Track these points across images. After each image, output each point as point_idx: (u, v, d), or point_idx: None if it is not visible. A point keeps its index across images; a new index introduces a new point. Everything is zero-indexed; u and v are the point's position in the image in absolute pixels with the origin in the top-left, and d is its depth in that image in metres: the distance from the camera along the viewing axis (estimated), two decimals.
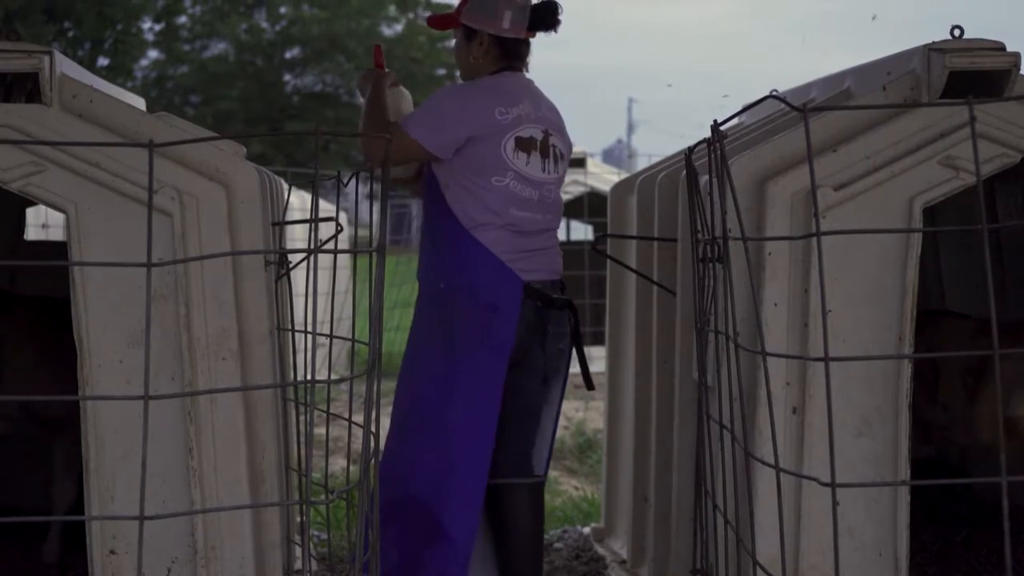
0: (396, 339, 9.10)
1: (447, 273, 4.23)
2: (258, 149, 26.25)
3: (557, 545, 6.04)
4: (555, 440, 4.48)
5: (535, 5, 4.36)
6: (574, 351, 4.49)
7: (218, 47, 30.78)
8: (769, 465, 2.96)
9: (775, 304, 3.53)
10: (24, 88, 3.58)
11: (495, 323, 4.21)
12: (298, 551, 4.22)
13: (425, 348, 4.25)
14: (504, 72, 4.36)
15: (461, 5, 4.40)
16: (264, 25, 31.05)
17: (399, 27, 30.65)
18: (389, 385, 5.31)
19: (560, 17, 4.39)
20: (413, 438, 4.22)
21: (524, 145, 4.29)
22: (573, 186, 11.97)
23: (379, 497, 3.76)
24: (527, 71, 4.46)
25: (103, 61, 25.37)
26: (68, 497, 4.87)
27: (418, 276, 4.35)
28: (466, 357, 4.20)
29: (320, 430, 7.72)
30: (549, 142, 4.36)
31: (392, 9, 30.67)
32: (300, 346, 4.12)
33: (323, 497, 4.82)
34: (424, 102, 4.32)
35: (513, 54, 4.37)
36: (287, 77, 31.64)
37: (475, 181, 4.24)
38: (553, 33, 4.40)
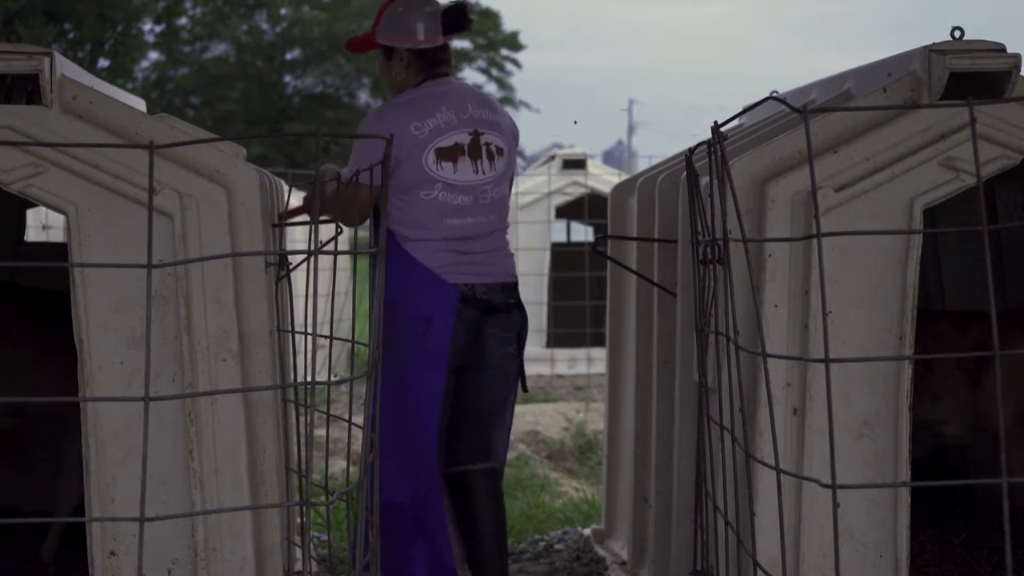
0: None
1: (389, 288, 4.30)
2: (258, 150, 26.26)
3: (558, 546, 6.04)
4: (510, 432, 4.70)
5: (444, 9, 4.44)
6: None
7: (218, 48, 30.79)
8: (769, 466, 2.96)
9: (775, 305, 3.53)
10: (24, 89, 3.57)
11: (429, 334, 4.33)
12: (298, 552, 4.22)
13: (381, 363, 4.34)
14: (425, 83, 4.45)
15: (375, 25, 4.49)
16: (264, 27, 31.06)
17: None
18: None
19: (471, 16, 4.51)
20: (383, 449, 4.32)
21: (447, 154, 4.36)
22: (573, 187, 11.99)
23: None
24: (455, 74, 4.57)
25: (103, 62, 25.37)
26: (75, 495, 4.87)
27: None
28: (406, 369, 4.34)
29: (320, 431, 7.73)
30: (480, 142, 4.41)
31: None
32: (300, 347, 4.12)
33: (323, 498, 4.81)
34: (354, 144, 4.45)
35: (434, 62, 4.45)
36: (287, 79, 31.65)
37: (403, 198, 4.34)
38: (466, 32, 4.53)
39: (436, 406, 4.38)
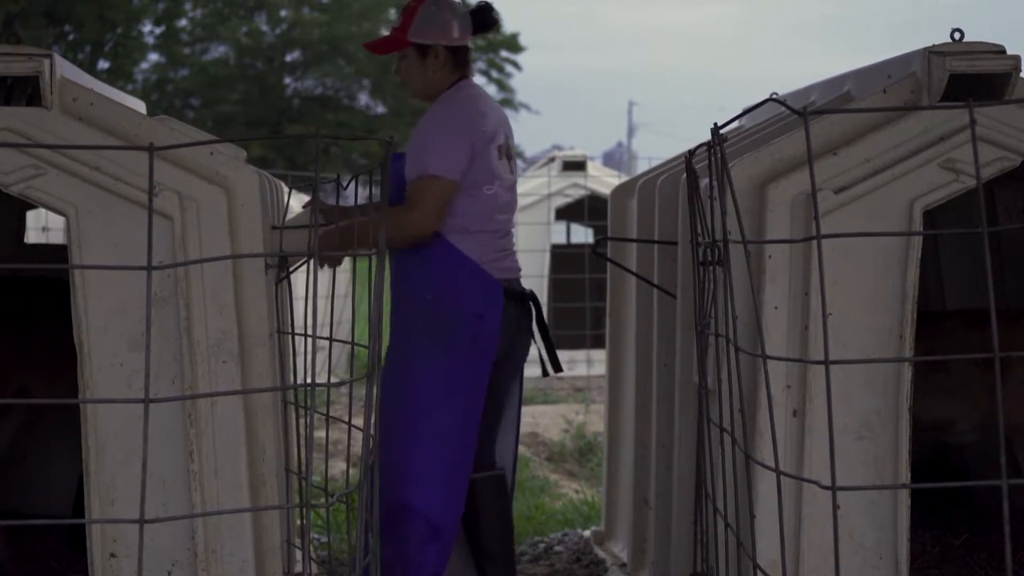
0: None
1: (433, 284, 4.33)
2: (258, 152, 26.27)
3: (558, 548, 6.04)
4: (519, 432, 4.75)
5: (472, 10, 4.51)
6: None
7: (218, 50, 30.78)
8: (769, 468, 2.96)
9: (775, 307, 3.53)
10: (24, 91, 3.57)
11: (482, 330, 4.35)
12: (298, 554, 4.22)
13: (417, 360, 4.33)
14: (462, 83, 4.48)
15: (405, 26, 4.47)
16: (264, 28, 31.06)
17: None
18: None
19: (496, 16, 4.55)
20: (407, 448, 4.31)
21: (502, 152, 4.44)
22: (573, 189, 11.98)
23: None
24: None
25: (103, 64, 25.38)
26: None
27: (394, 287, 4.43)
28: (459, 365, 4.34)
29: (320, 433, 7.72)
30: (508, 143, 4.51)
31: (392, 12, 30.69)
32: (300, 349, 4.12)
33: (323, 500, 4.81)
34: (415, 143, 4.35)
35: (463, 62, 4.49)
36: (287, 80, 31.64)
37: (470, 192, 4.35)
38: (494, 30, 4.60)
39: (483, 403, 4.41)
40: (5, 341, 4.87)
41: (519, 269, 4.59)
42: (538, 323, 4.65)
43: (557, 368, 4.75)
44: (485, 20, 4.52)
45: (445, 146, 4.29)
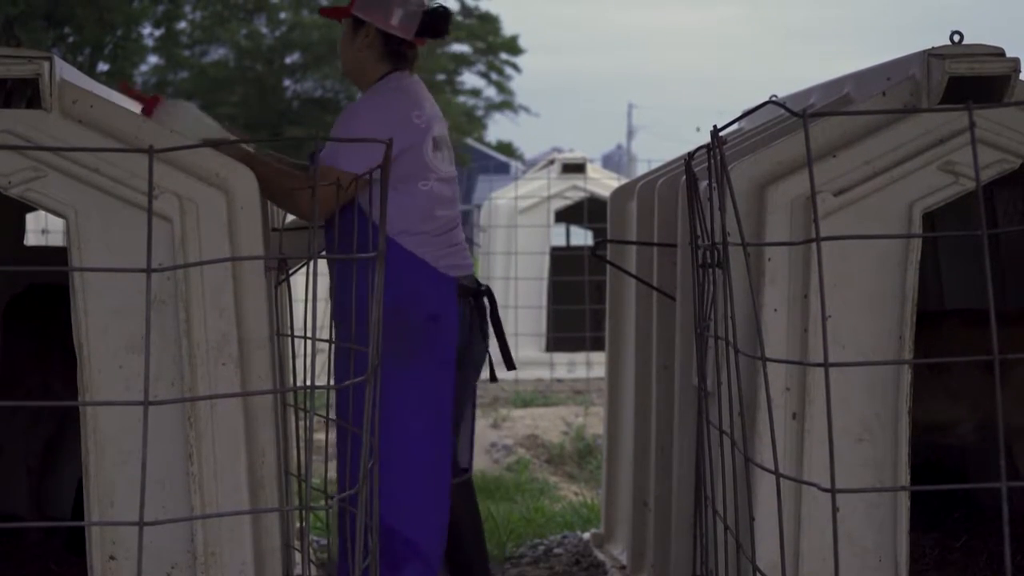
0: None
1: (390, 289, 4.07)
2: None
3: (557, 551, 6.03)
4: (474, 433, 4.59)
5: (427, 11, 4.34)
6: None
7: (218, 52, 30.79)
8: (769, 471, 2.95)
9: (775, 309, 3.53)
10: (24, 94, 3.57)
11: (439, 333, 4.20)
12: (298, 557, 4.22)
13: (385, 369, 4.16)
14: (395, 74, 4.33)
15: None
16: (264, 30, 31.06)
17: None
18: None
19: (450, 26, 4.40)
20: (392, 465, 4.09)
21: (438, 144, 4.31)
22: (573, 191, 11.99)
23: (345, 524, 3.75)
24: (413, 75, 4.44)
25: (103, 66, 25.37)
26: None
27: (342, 296, 4.17)
28: (420, 374, 4.18)
29: (320, 435, 7.72)
30: (447, 137, 4.40)
31: None
32: (300, 351, 4.11)
33: (323, 503, 4.81)
34: (338, 130, 4.28)
35: (396, 55, 4.34)
36: (287, 82, 31.65)
37: (401, 189, 4.19)
38: (441, 39, 4.41)
39: (451, 409, 4.25)
40: (26, 347, 4.90)
41: (471, 264, 4.43)
42: (492, 320, 4.46)
43: (510, 366, 4.55)
44: (436, 25, 4.35)
45: (360, 143, 4.04)
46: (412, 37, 4.33)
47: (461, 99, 32.82)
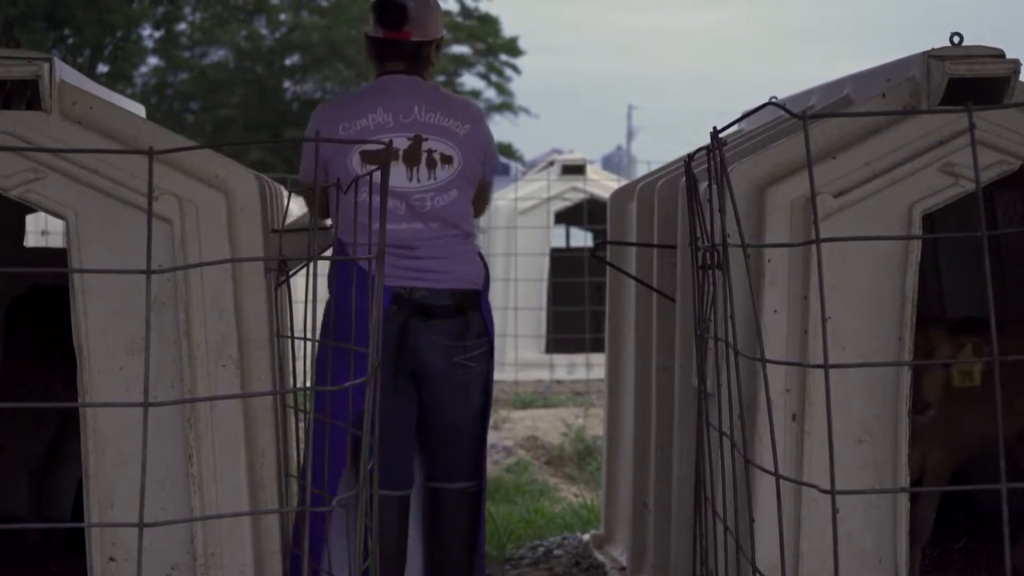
0: None
1: (331, 284, 4.16)
2: (258, 156, 26.25)
3: (557, 552, 6.03)
4: (484, 451, 4.47)
5: (373, 4, 4.40)
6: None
7: (218, 54, 30.78)
8: (769, 472, 2.96)
9: (775, 311, 3.53)
10: (24, 95, 3.58)
11: (357, 335, 3.99)
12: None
13: (318, 366, 4.14)
14: (380, 77, 4.38)
15: None
16: (264, 32, 31.05)
17: None
18: None
19: (398, 15, 4.32)
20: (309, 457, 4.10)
21: (374, 158, 4.13)
22: (572, 193, 11.99)
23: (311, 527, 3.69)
24: (431, 77, 4.46)
25: (103, 68, 25.37)
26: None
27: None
28: (336, 373, 4.02)
29: None
30: (421, 148, 4.21)
31: None
32: (300, 353, 4.11)
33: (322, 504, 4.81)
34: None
35: (377, 56, 4.40)
36: (287, 84, 31.65)
37: (335, 197, 4.19)
38: (395, 31, 4.31)
39: (355, 410, 3.87)
40: (27, 349, 4.91)
41: (461, 280, 4.24)
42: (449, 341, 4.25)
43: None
44: (381, 16, 4.35)
45: (305, 152, 4.30)
46: (376, 34, 4.38)
47: None
